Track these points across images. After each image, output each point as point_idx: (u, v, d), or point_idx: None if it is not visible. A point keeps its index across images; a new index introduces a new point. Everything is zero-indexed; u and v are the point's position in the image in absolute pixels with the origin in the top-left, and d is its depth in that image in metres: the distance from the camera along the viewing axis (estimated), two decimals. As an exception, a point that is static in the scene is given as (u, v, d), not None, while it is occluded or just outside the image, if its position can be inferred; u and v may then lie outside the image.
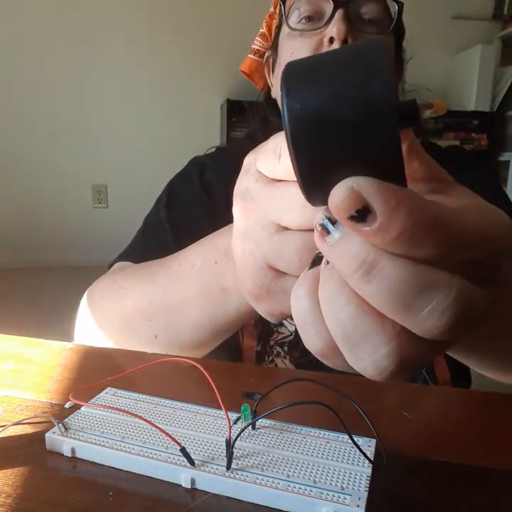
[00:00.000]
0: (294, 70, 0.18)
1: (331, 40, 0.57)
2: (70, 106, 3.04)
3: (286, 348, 0.61)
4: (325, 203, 0.18)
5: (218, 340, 0.47)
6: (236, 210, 0.30)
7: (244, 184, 0.29)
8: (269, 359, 0.62)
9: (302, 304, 0.20)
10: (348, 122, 0.16)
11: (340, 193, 0.16)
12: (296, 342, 0.61)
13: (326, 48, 0.58)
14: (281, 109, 0.18)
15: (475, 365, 0.41)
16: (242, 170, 0.30)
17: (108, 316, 0.52)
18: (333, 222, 0.17)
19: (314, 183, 0.18)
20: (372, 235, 0.16)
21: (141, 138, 3.14)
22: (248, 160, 0.30)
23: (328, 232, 0.17)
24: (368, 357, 0.18)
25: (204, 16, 3.01)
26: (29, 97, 2.99)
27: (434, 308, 0.17)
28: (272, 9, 0.67)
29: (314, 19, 0.60)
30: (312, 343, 0.21)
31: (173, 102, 3.12)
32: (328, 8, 0.58)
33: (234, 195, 0.30)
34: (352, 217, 0.16)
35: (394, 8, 0.60)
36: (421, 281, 0.16)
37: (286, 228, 0.27)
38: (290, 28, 0.61)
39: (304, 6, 0.60)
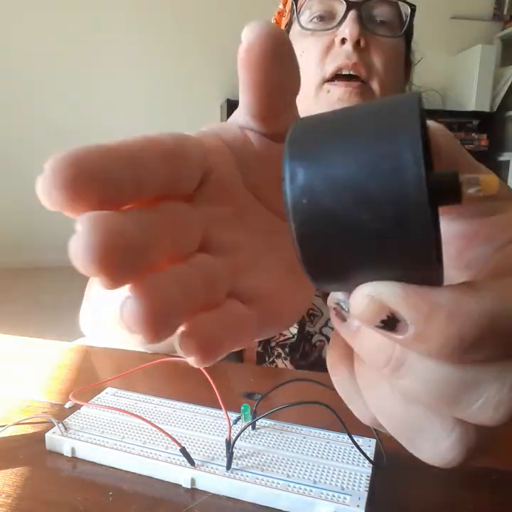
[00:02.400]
0: (300, 142, 0.14)
1: (343, 41, 0.57)
2: (71, 106, 3.04)
3: (287, 350, 0.61)
4: (341, 289, 0.15)
5: None
6: None
7: None
8: (270, 360, 0.62)
9: (341, 382, 0.17)
10: (371, 228, 0.13)
11: (358, 303, 0.14)
12: (297, 345, 0.61)
13: (337, 49, 0.57)
14: (283, 193, 0.13)
15: None
16: None
17: None
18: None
19: (325, 282, 0.15)
20: (408, 344, 0.13)
21: (142, 138, 3.14)
22: None
23: (344, 319, 0.15)
24: (430, 450, 0.15)
25: (204, 16, 3.01)
26: (29, 97, 2.99)
27: (485, 403, 0.14)
28: (281, 6, 0.66)
29: (326, 19, 0.59)
30: (362, 417, 0.18)
31: (173, 102, 3.12)
32: (341, 8, 0.57)
33: None
34: (379, 327, 0.13)
35: (406, 10, 0.60)
36: (466, 380, 0.14)
37: None
38: (301, 27, 0.60)
39: (315, 6, 0.59)
